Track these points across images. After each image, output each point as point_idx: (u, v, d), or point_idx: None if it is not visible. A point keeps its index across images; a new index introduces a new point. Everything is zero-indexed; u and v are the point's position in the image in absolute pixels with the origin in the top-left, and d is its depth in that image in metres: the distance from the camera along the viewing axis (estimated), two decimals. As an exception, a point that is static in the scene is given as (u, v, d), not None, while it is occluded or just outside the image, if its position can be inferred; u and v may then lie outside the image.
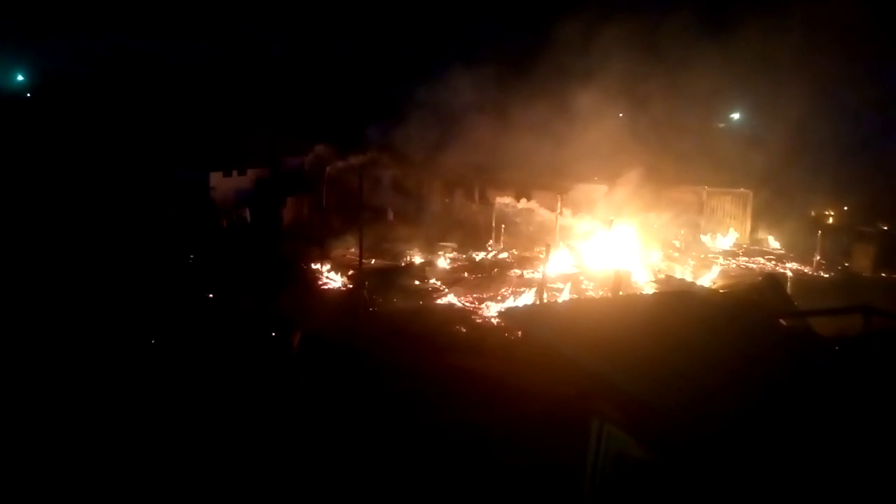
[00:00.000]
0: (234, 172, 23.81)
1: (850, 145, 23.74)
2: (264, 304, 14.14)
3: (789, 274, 18.51)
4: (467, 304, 15.68)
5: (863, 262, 19.56)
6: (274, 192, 23.27)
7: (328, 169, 22.58)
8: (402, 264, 18.37)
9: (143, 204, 20.57)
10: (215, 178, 23.19)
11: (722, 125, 31.11)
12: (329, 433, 8.72)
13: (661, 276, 17.53)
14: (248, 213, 22.64)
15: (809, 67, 22.35)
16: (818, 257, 19.63)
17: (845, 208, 23.43)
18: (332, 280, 17.21)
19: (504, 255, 20.06)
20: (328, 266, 17.86)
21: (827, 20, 20.34)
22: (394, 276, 16.92)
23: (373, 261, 18.24)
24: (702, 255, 20.33)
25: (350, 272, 17.13)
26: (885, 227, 22.31)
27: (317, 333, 12.64)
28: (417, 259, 18.86)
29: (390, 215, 20.59)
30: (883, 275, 18.95)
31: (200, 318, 13.41)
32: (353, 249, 18.04)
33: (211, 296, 15.17)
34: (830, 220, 23.46)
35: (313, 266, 17.93)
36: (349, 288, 16.48)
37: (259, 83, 29.92)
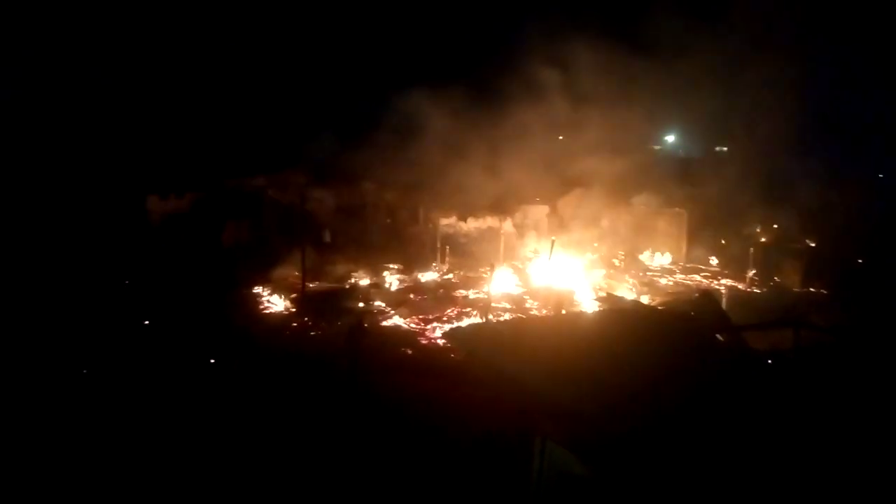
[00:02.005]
0: (172, 195, 23.19)
1: (779, 166, 24.82)
2: (203, 329, 13.79)
3: (724, 290, 19.13)
4: (413, 326, 15.62)
5: (792, 277, 20.42)
6: (213, 215, 22.75)
7: (269, 191, 22.26)
8: (347, 286, 18.21)
9: (74, 228, 19.80)
10: (152, 201, 22.54)
11: (657, 147, 32.15)
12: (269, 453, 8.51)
13: (603, 294, 17.89)
14: (186, 237, 22.04)
15: (740, 91, 23.34)
16: (751, 273, 20.37)
17: (775, 226, 24.44)
18: (274, 304, 16.90)
19: (449, 275, 20.13)
20: (269, 290, 17.54)
21: (758, 43, 21.29)
22: (338, 298, 16.77)
23: (316, 283, 18.04)
24: (641, 273, 20.85)
25: (293, 295, 16.88)
26: (813, 244, 23.39)
27: (259, 358, 12.42)
28: (362, 281, 18.73)
29: (326, 236, 20.25)
30: (811, 289, 19.80)
31: (136, 346, 12.95)
32: (296, 272, 17.80)
33: (147, 322, 14.67)
34: (762, 239, 24.39)
35: (254, 290, 17.58)
36: (291, 312, 16.23)
37: (197, 103, 29.32)
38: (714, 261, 22.85)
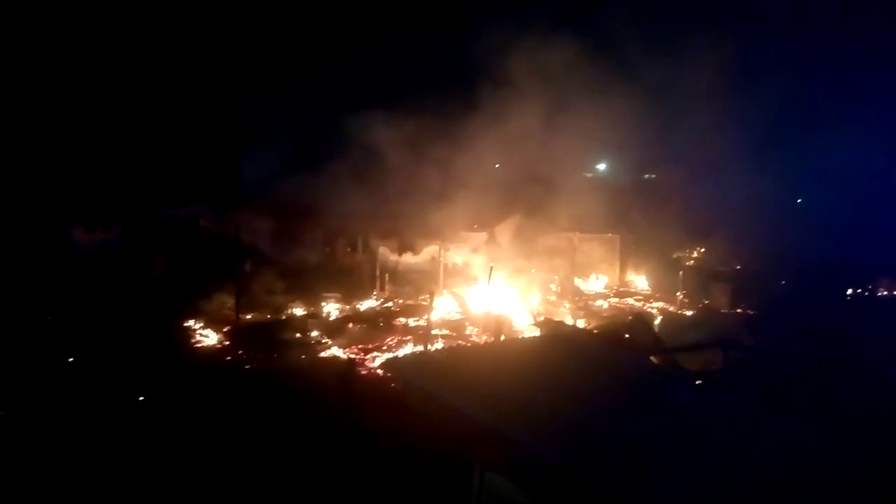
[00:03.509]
0: (99, 226, 22.39)
1: (705, 193, 25.82)
2: (131, 366, 13.25)
3: (656, 312, 19.68)
4: (352, 356, 15.40)
5: (720, 298, 21.22)
6: (144, 246, 22.06)
7: (202, 221, 21.75)
8: (283, 317, 17.86)
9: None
10: (77, 233, 21.69)
11: (589, 175, 33.07)
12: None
13: (541, 319, 18.10)
14: (115, 270, 21.26)
15: (667, 121, 24.26)
16: (681, 296, 21.05)
17: (702, 250, 25.40)
18: (207, 337, 16.41)
19: (389, 304, 20.02)
20: (202, 323, 17.04)
21: (686, 74, 22.19)
22: (274, 329, 16.42)
23: (251, 315, 17.64)
24: (576, 298, 21.25)
25: (226, 328, 16.43)
26: (738, 267, 24.39)
27: (190, 394, 12.00)
28: (299, 311, 18.41)
29: (247, 266, 19.64)
30: (738, 310, 20.60)
31: (59, 384, 12.32)
32: (230, 304, 17.36)
33: (71, 360, 13.99)
34: (691, 262, 25.26)
35: (186, 323, 17.04)
36: (224, 346, 15.78)
37: (126, 130, 28.48)
38: (645, 284, 23.51)
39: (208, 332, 16.61)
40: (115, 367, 13.19)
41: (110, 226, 22.59)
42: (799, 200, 32.59)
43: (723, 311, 20.59)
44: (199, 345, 16.04)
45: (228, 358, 14.92)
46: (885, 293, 23.61)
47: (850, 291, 23.35)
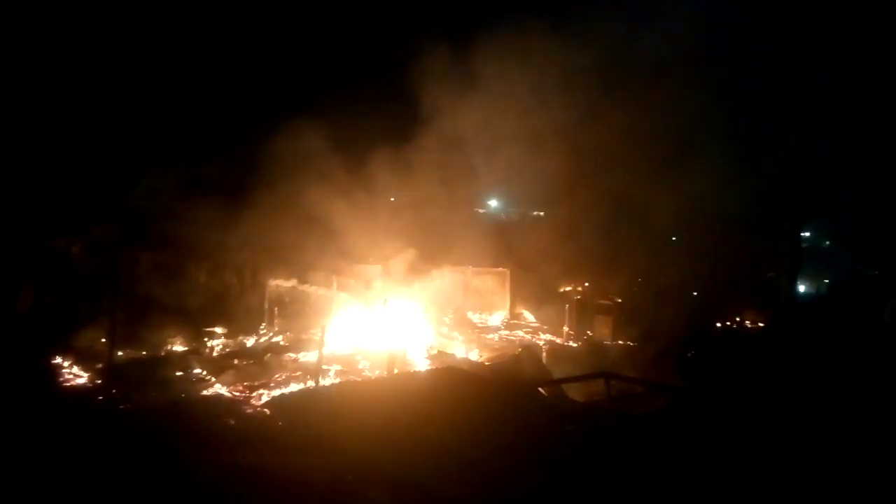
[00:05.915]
0: (-46, 255, 20.39)
1: (589, 229, 27.06)
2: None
3: (543, 344, 20.28)
4: (237, 394, 14.76)
5: (603, 331, 22.21)
6: (9, 277, 20.28)
7: (74, 250, 20.33)
8: (162, 354, 16.93)
9: None
10: (-71, 261, 19.66)
11: (482, 210, 33.91)
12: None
13: (434, 352, 18.18)
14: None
15: (555, 160, 25.30)
16: (567, 329, 21.82)
17: (586, 284, 26.52)
18: (77, 376, 15.25)
19: (278, 338, 19.44)
20: (72, 360, 15.84)
21: (572, 116, 23.26)
22: (152, 367, 15.51)
23: (126, 351, 16.60)
24: (469, 331, 21.53)
25: (99, 365, 15.34)
26: (620, 300, 25.61)
27: (56, 438, 11.05)
28: (180, 347, 17.52)
29: (113, 297, 18.26)
30: (620, 342, 21.60)
31: None
32: (103, 339, 16.27)
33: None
34: (578, 296, 26.29)
35: (53, 360, 15.77)
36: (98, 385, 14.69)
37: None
38: (529, 315, 24.21)
39: (78, 370, 15.46)
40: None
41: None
42: (674, 238, 34.69)
43: (605, 342, 21.53)
44: (67, 384, 14.88)
45: (100, 397, 13.92)
46: (750, 324, 25.54)
47: (719, 324, 25.08)
